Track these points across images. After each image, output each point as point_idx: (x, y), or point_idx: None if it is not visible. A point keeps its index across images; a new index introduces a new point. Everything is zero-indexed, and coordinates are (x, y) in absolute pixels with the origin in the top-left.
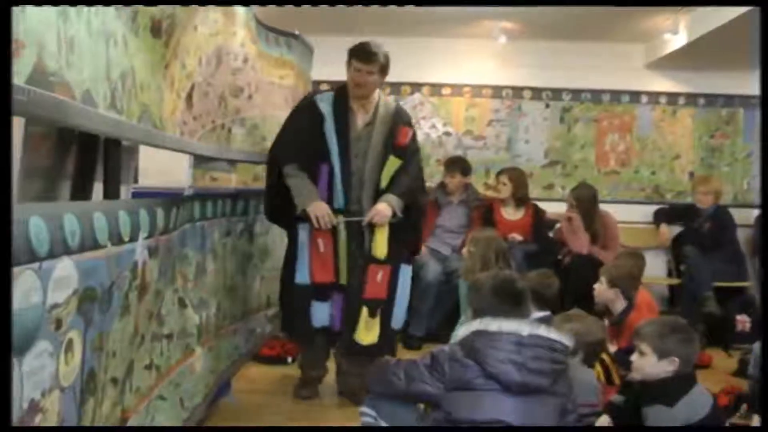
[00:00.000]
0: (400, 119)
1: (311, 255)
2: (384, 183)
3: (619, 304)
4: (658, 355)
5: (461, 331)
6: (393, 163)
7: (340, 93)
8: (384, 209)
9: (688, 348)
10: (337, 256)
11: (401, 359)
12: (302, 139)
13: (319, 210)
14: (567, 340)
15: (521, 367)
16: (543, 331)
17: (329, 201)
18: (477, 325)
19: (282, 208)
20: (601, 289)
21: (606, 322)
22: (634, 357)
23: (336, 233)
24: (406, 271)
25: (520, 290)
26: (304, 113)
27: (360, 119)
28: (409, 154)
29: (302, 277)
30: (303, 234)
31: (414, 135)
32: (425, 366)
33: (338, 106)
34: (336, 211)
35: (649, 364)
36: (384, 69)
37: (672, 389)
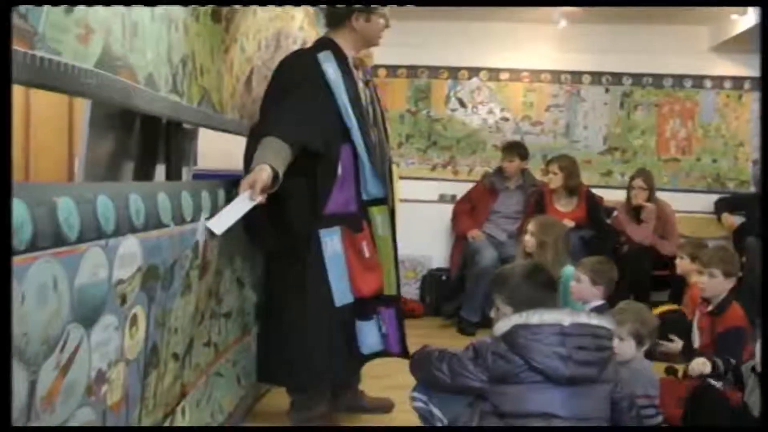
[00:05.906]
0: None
1: (351, 264)
2: None
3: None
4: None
5: (501, 325)
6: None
7: (337, 48)
8: None
9: None
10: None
11: (444, 350)
12: (316, 116)
13: (259, 175)
14: (610, 324)
15: (567, 360)
16: (584, 318)
17: (358, 192)
18: (517, 319)
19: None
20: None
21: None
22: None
23: (372, 227)
24: None
25: (552, 276)
26: (311, 83)
27: (359, 79)
28: None
29: (343, 296)
30: (332, 243)
31: None
32: (469, 360)
33: (341, 65)
34: (372, 202)
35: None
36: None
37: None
